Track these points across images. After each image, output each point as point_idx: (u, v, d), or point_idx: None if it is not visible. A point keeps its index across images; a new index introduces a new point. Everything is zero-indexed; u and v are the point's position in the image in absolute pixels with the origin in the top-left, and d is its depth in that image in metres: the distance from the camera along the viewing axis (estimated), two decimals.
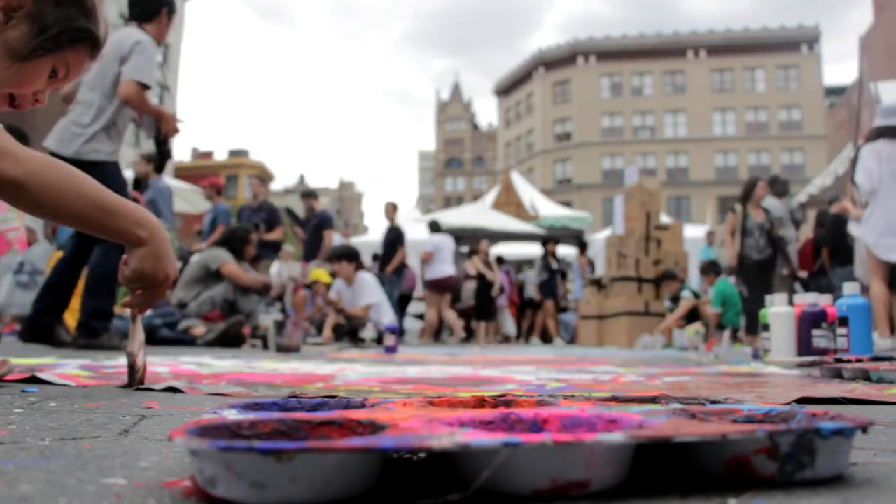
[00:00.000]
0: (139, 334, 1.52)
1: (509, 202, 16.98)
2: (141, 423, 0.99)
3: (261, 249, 6.93)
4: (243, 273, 5.74)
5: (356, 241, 14.07)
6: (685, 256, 9.80)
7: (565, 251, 13.58)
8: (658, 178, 16.20)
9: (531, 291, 11.68)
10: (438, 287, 9.24)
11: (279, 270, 8.45)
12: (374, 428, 0.63)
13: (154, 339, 5.00)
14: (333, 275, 7.45)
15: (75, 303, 4.12)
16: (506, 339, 11.50)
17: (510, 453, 0.52)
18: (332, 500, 0.51)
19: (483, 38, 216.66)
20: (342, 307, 6.98)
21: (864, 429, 0.60)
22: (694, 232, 15.65)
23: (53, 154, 3.57)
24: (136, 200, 8.05)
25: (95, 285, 3.88)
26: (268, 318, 5.30)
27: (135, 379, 1.57)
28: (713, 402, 0.87)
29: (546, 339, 11.41)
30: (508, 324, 11.79)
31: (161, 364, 2.57)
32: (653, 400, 0.92)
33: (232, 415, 0.70)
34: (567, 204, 32.49)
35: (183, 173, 37.49)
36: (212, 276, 5.69)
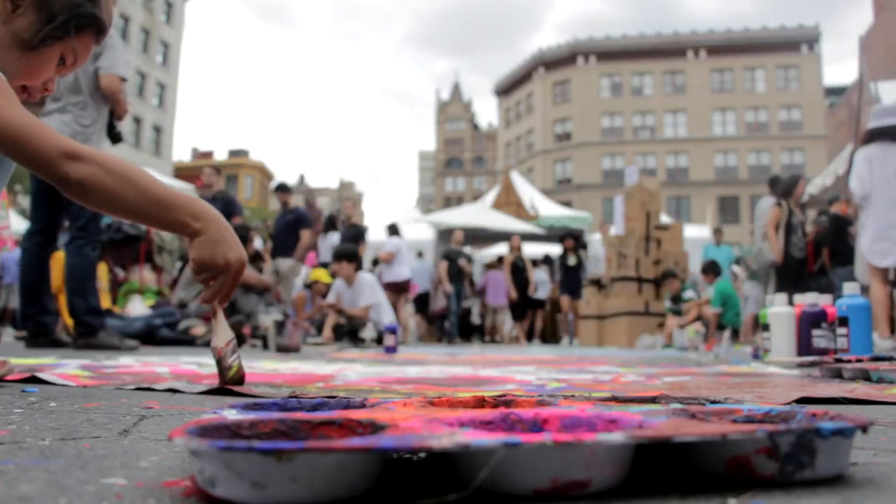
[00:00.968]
0: (222, 329, 1.46)
1: (509, 202, 16.98)
2: (141, 423, 0.99)
3: None
4: (246, 271, 5.75)
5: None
6: (685, 256, 9.80)
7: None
8: (658, 178, 16.20)
9: (541, 292, 11.56)
10: (397, 289, 9.34)
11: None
12: (374, 428, 0.63)
13: (154, 339, 5.01)
14: (333, 275, 7.45)
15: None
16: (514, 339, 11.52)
17: (510, 453, 0.52)
18: (333, 500, 0.51)
19: (484, 38, 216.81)
20: (341, 308, 6.98)
21: (864, 429, 0.60)
22: (694, 232, 15.67)
23: None
24: None
25: (80, 284, 3.92)
26: (268, 318, 5.31)
27: (225, 377, 1.49)
28: (713, 402, 0.87)
29: (546, 339, 11.40)
30: (507, 324, 11.82)
31: (161, 364, 2.57)
32: (653, 400, 0.92)
33: (232, 415, 0.70)
34: (567, 204, 32.49)
35: (183, 173, 37.50)
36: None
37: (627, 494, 0.55)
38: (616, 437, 0.53)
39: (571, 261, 10.96)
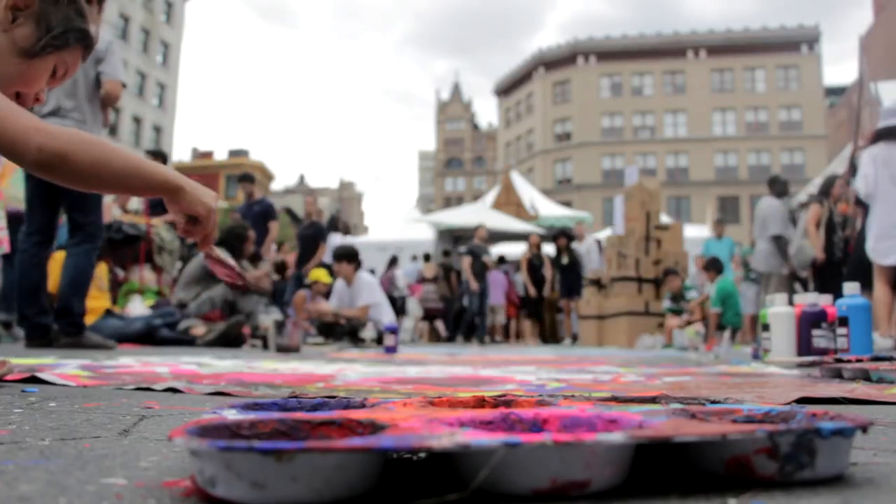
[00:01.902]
0: (229, 260, 1.55)
1: (509, 202, 16.99)
2: (141, 423, 0.99)
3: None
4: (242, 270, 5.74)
5: (356, 240, 14.08)
6: (685, 256, 9.80)
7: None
8: (658, 178, 16.21)
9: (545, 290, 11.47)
10: None
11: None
12: (374, 428, 0.63)
13: (154, 339, 5.01)
14: (333, 274, 7.45)
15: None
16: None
17: (510, 453, 0.52)
18: (333, 500, 0.51)
19: (485, 38, 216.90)
20: (334, 312, 6.96)
21: (864, 429, 0.60)
22: (694, 232, 15.67)
23: None
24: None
25: (80, 286, 3.98)
26: (268, 318, 5.30)
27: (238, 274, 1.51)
28: (713, 402, 0.87)
29: (546, 339, 11.37)
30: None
31: (161, 364, 2.57)
32: (653, 400, 0.92)
33: (232, 415, 0.70)
34: (567, 204, 32.49)
35: (183, 173, 37.27)
36: (211, 275, 5.68)
37: (627, 494, 0.55)
38: (616, 437, 0.53)
39: (564, 260, 10.81)
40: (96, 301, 5.22)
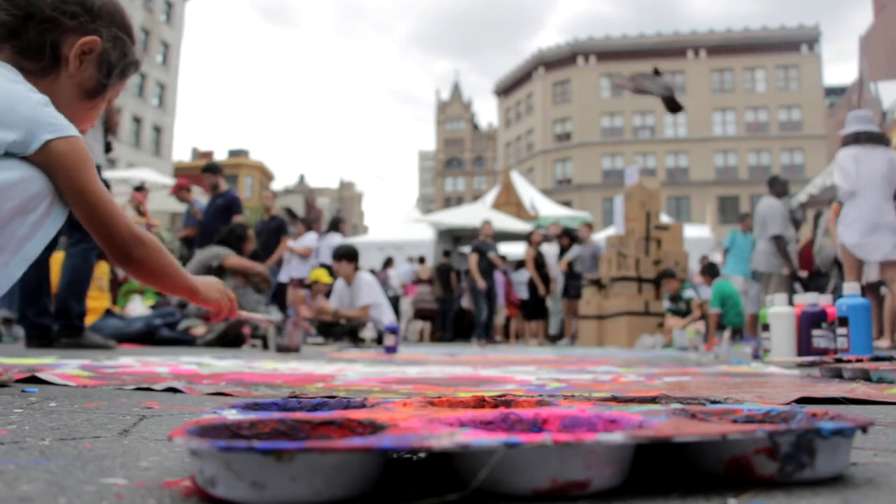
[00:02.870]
0: (252, 315, 2.05)
1: (509, 202, 16.99)
2: (141, 423, 0.99)
3: None
4: (247, 261, 5.74)
5: (356, 240, 14.10)
6: (685, 256, 9.80)
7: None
8: (658, 178, 16.19)
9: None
10: (301, 286, 9.25)
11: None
12: (374, 428, 0.63)
13: (154, 339, 5.01)
14: (333, 274, 7.45)
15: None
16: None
17: (510, 453, 0.52)
18: (333, 500, 0.51)
19: (486, 39, 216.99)
20: (333, 310, 6.96)
21: (864, 429, 0.60)
22: (694, 232, 15.67)
23: None
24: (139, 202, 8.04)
25: (79, 287, 4.00)
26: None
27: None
28: (713, 402, 0.87)
29: (550, 338, 11.35)
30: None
31: (161, 364, 2.57)
32: (653, 400, 0.92)
33: (232, 415, 0.70)
34: (567, 204, 32.51)
35: (183, 173, 37.42)
36: (212, 273, 5.68)
37: (627, 494, 0.55)
38: (616, 437, 0.53)
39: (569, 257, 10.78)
40: (96, 301, 5.22)
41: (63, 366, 2.24)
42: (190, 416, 1.09)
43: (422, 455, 0.70)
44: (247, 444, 0.49)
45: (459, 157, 75.49)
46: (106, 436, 0.86)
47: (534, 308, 11.04)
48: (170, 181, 13.06)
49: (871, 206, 4.90)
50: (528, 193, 17.86)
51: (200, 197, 9.54)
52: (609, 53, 45.22)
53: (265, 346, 5.16)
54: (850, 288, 2.61)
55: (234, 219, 7.27)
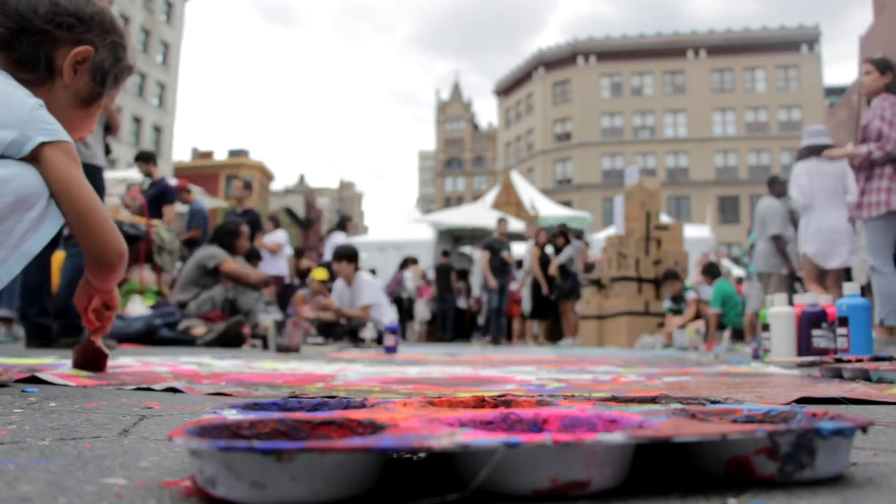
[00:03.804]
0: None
1: (509, 202, 16.98)
2: (141, 423, 0.99)
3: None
4: (242, 269, 5.73)
5: (356, 240, 14.09)
6: (685, 256, 9.80)
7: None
8: (658, 178, 16.21)
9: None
10: (275, 282, 9.23)
11: None
12: (374, 428, 0.63)
13: (154, 339, 5.01)
14: (333, 275, 7.45)
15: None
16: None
17: (510, 453, 0.52)
18: (332, 500, 0.51)
19: (487, 39, 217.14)
20: (340, 309, 6.96)
21: (864, 429, 0.60)
22: (694, 232, 15.66)
23: None
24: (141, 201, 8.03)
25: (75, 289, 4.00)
26: (268, 318, 5.30)
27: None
28: (713, 402, 0.87)
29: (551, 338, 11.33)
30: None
31: (161, 364, 2.57)
32: (653, 400, 0.92)
33: (232, 415, 0.70)
34: (567, 204, 32.51)
35: (183, 173, 37.46)
36: (208, 274, 5.68)
37: (627, 494, 0.55)
38: (616, 437, 0.53)
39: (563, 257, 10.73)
40: None
41: (63, 366, 2.24)
42: (190, 416, 1.09)
43: (422, 455, 0.70)
44: (247, 444, 0.49)
45: (459, 157, 75.49)
46: (106, 436, 0.86)
47: (536, 308, 11.00)
48: (170, 182, 13.04)
49: (826, 216, 5.24)
50: (528, 193, 17.86)
51: (201, 198, 9.55)
52: (609, 53, 45.23)
53: (265, 346, 5.16)
54: (850, 288, 2.61)
55: (164, 209, 7.19)
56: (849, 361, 2.08)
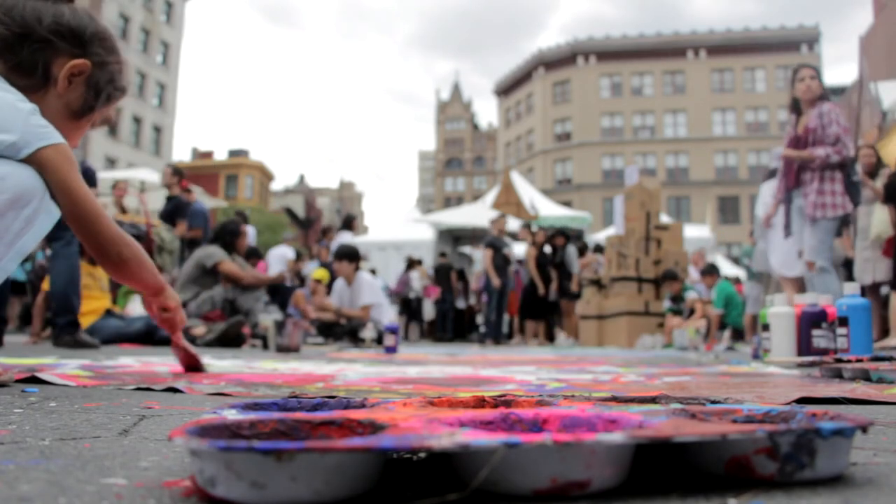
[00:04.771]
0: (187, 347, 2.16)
1: (509, 202, 16.95)
2: (141, 423, 0.99)
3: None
4: (241, 271, 5.73)
5: (356, 240, 14.07)
6: (685, 256, 9.80)
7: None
8: (658, 178, 16.18)
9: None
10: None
11: None
12: (374, 428, 0.63)
13: (154, 339, 5.01)
14: (333, 275, 7.45)
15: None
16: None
17: (510, 453, 0.52)
18: (332, 500, 0.51)
19: (487, 40, 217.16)
20: (335, 308, 6.96)
21: (864, 429, 0.60)
22: (694, 232, 15.67)
23: None
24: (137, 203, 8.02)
25: (75, 286, 4.01)
26: (268, 318, 5.30)
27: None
28: (713, 402, 0.87)
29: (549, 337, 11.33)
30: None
31: (161, 364, 2.57)
32: (653, 400, 0.92)
33: (232, 415, 0.70)
34: (567, 204, 32.48)
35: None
36: (207, 273, 5.68)
37: (627, 494, 0.55)
38: (616, 437, 0.53)
39: (558, 259, 10.59)
40: (97, 301, 5.21)
41: (63, 366, 2.24)
42: (190, 416, 1.09)
43: (422, 455, 0.70)
44: (247, 444, 0.49)
45: (459, 157, 75.48)
46: (106, 436, 0.86)
47: (534, 308, 10.99)
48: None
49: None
50: (527, 193, 17.83)
51: (201, 198, 9.55)
52: (609, 53, 45.23)
53: (265, 346, 5.16)
54: (850, 288, 2.61)
55: (177, 223, 7.41)
56: (849, 361, 2.08)
